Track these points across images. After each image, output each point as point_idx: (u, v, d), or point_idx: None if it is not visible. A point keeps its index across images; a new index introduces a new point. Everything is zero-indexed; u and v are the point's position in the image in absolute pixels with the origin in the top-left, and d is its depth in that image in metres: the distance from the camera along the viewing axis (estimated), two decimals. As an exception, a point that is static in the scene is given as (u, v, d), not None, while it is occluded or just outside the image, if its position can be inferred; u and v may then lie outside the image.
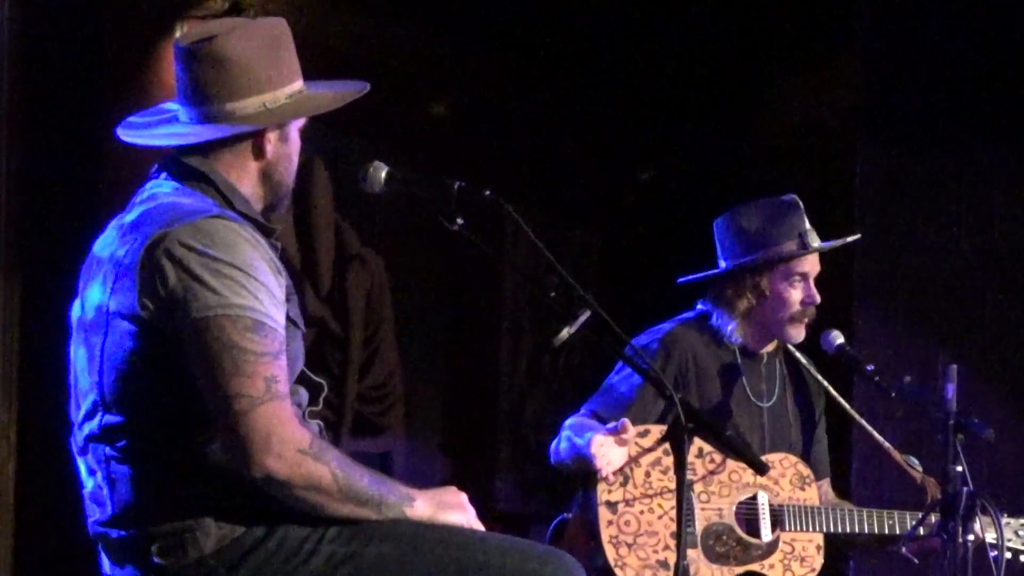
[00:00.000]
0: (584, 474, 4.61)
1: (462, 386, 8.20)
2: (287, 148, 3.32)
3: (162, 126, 3.36)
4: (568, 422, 4.68)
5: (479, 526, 3.29)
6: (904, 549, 4.63)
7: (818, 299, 4.74)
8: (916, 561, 4.65)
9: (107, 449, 3.15)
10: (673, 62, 8.52)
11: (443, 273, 7.95)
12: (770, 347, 4.86)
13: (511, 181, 7.46)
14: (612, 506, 4.58)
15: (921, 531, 4.61)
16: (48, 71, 5.93)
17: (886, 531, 4.71)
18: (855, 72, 7.14)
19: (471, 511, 3.29)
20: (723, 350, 4.80)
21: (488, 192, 3.36)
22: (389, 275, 5.16)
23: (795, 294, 4.73)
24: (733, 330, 4.77)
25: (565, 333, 3.35)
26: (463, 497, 3.30)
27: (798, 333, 4.77)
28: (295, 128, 3.34)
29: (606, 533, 4.55)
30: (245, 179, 3.29)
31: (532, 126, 8.50)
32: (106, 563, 3.25)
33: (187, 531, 3.11)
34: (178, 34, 6.34)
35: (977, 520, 4.37)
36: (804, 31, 8.32)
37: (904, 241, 6.68)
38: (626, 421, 4.42)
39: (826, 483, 4.95)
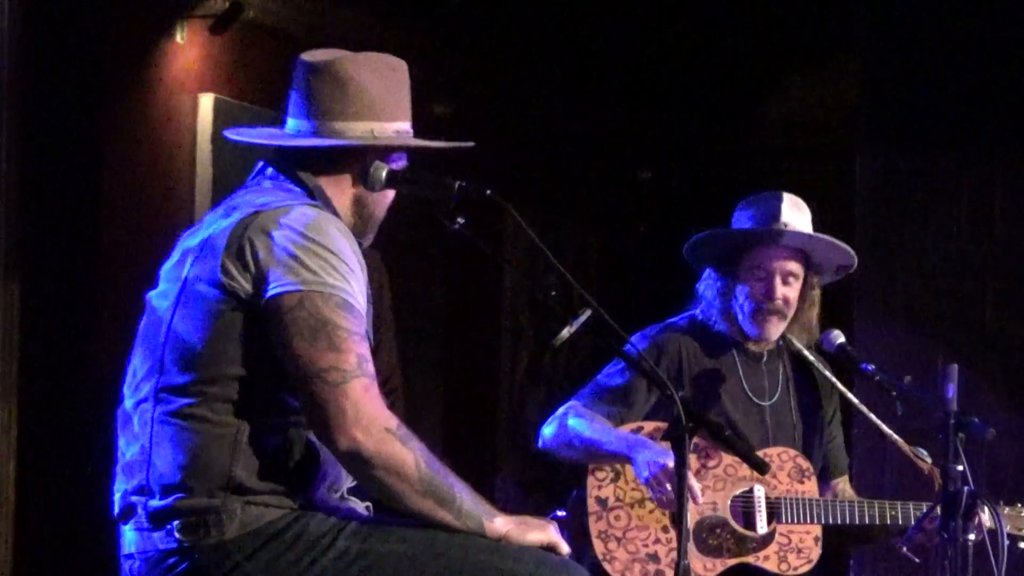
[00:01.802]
0: (576, 468, 4.63)
1: (462, 386, 8.21)
2: None
3: (270, 132, 3.47)
4: (571, 419, 4.66)
5: (565, 548, 3.31)
6: (905, 548, 4.62)
7: (775, 297, 4.68)
8: (916, 560, 4.64)
9: (157, 410, 3.20)
10: (673, 62, 8.53)
11: (443, 273, 7.96)
12: (770, 346, 4.85)
13: (511, 181, 7.47)
14: (602, 501, 4.59)
15: (925, 526, 4.60)
16: (49, 71, 5.93)
17: (888, 522, 4.70)
18: (855, 71, 7.15)
19: (554, 532, 3.30)
20: (719, 349, 4.80)
21: (488, 192, 3.36)
22: (389, 275, 5.16)
23: (756, 285, 4.71)
24: (717, 316, 4.76)
25: (565, 333, 3.35)
26: (546, 521, 3.33)
27: (761, 329, 4.72)
28: (395, 167, 3.41)
29: (595, 528, 4.57)
30: (341, 201, 3.36)
31: (532, 126, 8.51)
32: (126, 541, 3.28)
33: (212, 511, 3.14)
34: (178, 35, 6.36)
35: (982, 511, 4.36)
36: (804, 31, 8.34)
37: (903, 240, 6.68)
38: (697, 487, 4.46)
39: (843, 481, 4.93)
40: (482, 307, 8.39)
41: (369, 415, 3.11)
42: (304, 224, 3.18)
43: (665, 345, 4.75)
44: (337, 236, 3.20)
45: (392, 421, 3.14)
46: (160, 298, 3.28)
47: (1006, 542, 4.42)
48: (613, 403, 4.69)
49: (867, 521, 4.70)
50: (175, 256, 3.32)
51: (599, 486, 4.59)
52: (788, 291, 4.72)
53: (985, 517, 4.39)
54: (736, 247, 4.74)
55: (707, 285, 4.80)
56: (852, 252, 4.86)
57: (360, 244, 3.37)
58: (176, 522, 3.15)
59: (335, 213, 3.33)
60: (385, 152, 3.38)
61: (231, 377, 3.17)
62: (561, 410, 4.72)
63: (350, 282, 3.18)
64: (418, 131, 3.50)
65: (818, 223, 4.82)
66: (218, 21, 6.46)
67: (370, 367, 3.15)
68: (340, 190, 3.37)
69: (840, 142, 7.77)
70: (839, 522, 4.69)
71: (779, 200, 4.74)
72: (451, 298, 8.12)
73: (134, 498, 3.23)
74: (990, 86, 6.59)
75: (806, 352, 4.87)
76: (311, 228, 3.18)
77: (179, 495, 3.16)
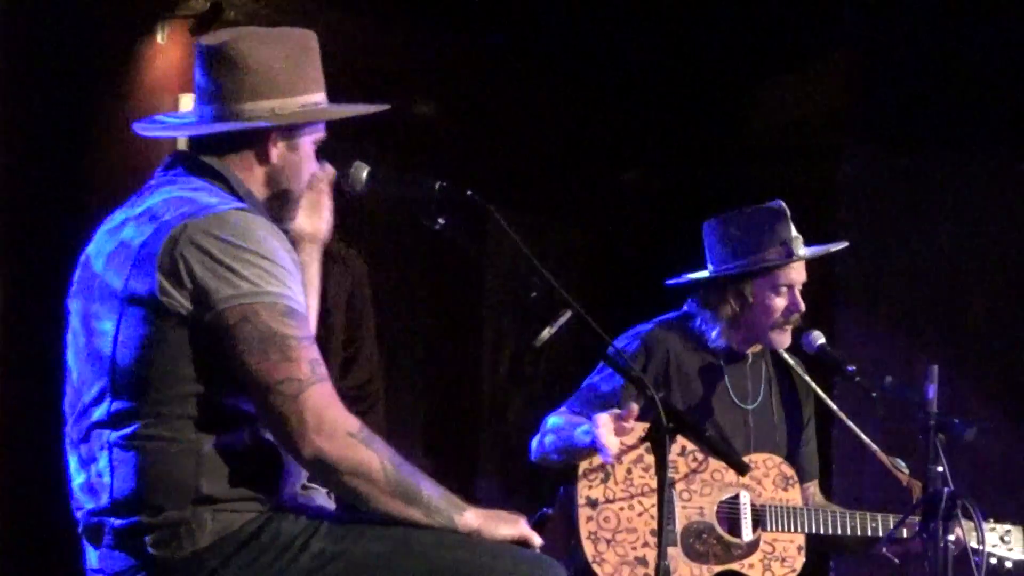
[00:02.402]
0: (566, 469, 4.62)
1: (444, 387, 8.20)
2: (295, 157, 3.32)
3: (177, 121, 3.41)
4: (550, 419, 4.68)
5: (537, 541, 3.29)
6: (885, 550, 4.63)
7: (802, 308, 4.74)
8: (897, 562, 4.65)
9: (113, 435, 3.15)
10: (658, 62, 8.52)
11: (425, 273, 7.95)
12: (755, 348, 4.86)
13: (493, 181, 7.46)
14: (592, 502, 4.58)
15: (904, 532, 4.61)
16: (30, 71, 5.92)
17: (868, 533, 4.71)
18: (840, 72, 7.16)
19: (525, 525, 3.29)
20: (705, 351, 4.80)
21: (470, 192, 3.36)
22: (371, 275, 5.15)
23: (779, 302, 4.73)
24: (718, 335, 4.77)
25: (546, 333, 3.35)
26: (517, 515, 3.31)
27: (783, 339, 4.77)
28: (307, 140, 3.34)
29: (585, 529, 4.56)
30: (252, 183, 3.30)
31: (515, 125, 8.50)
32: (92, 556, 3.24)
33: (183, 523, 3.12)
34: (159, 35, 6.36)
35: (959, 524, 4.37)
36: (789, 31, 8.33)
37: (887, 241, 6.69)
38: (634, 407, 4.39)
39: (813, 485, 4.95)
40: (464, 308, 8.38)
41: (330, 421, 3.08)
42: (234, 232, 3.12)
43: (654, 345, 4.75)
44: (268, 238, 3.15)
45: (354, 424, 3.12)
46: (93, 319, 3.22)
47: (992, 549, 4.43)
48: (603, 407, 4.69)
49: (848, 531, 4.71)
50: (91, 278, 3.25)
51: (590, 486, 4.59)
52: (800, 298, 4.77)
53: (960, 532, 4.39)
54: (747, 273, 4.74)
55: (717, 309, 4.78)
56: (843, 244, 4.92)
57: (286, 223, 3.33)
58: (147, 537, 3.13)
59: (252, 200, 3.27)
60: (290, 128, 3.30)
61: (186, 393, 3.13)
62: (548, 420, 4.72)
63: (289, 285, 3.13)
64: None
65: (800, 221, 4.83)
66: (199, 22, 6.45)
67: (323, 369, 3.12)
68: (251, 173, 3.30)
69: (825, 143, 7.77)
70: (822, 531, 4.70)
71: (784, 217, 4.74)
72: (432, 299, 8.11)
73: (100, 517, 3.20)
74: (975, 88, 6.60)
75: (786, 355, 4.88)
76: (241, 235, 3.11)
77: (146, 513, 3.13)
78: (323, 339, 4.83)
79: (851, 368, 4.75)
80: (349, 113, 3.38)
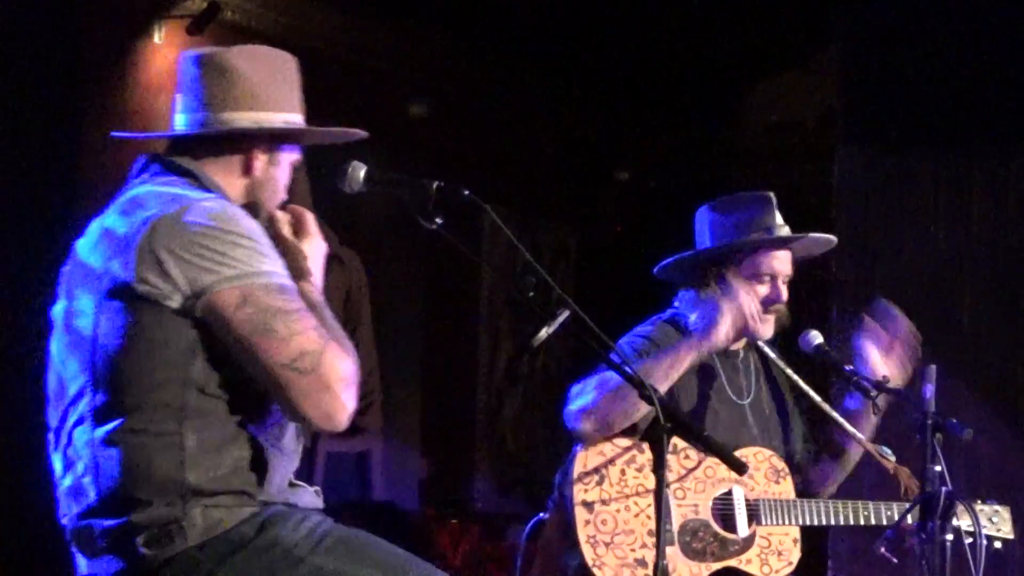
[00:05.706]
0: (563, 472, 4.61)
1: (440, 386, 8.20)
2: (275, 172, 3.35)
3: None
4: (596, 378, 4.57)
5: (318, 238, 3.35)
6: (883, 550, 4.63)
7: (784, 298, 4.73)
8: (894, 561, 4.65)
9: (96, 431, 3.14)
10: (651, 63, 8.54)
11: (421, 273, 7.96)
12: (742, 343, 4.86)
13: (489, 181, 7.47)
14: (588, 505, 4.57)
15: (902, 527, 4.62)
16: (26, 70, 5.91)
17: (861, 522, 4.72)
18: (832, 73, 7.16)
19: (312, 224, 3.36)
20: (700, 348, 4.80)
21: (466, 192, 3.35)
22: (367, 275, 5.16)
23: (760, 290, 4.72)
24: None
25: (544, 333, 3.34)
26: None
27: (763, 329, 4.75)
28: (287, 157, 3.36)
29: (583, 533, 4.54)
30: (231, 193, 3.30)
31: (510, 126, 8.52)
32: (82, 562, 3.22)
33: (174, 521, 3.10)
34: (156, 35, 6.36)
35: (959, 514, 4.38)
36: (782, 32, 8.35)
37: (881, 240, 6.70)
38: None
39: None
40: (460, 307, 8.39)
41: (349, 374, 3.13)
42: (215, 217, 3.13)
43: (662, 343, 4.73)
44: (245, 219, 3.17)
45: (350, 362, 3.15)
46: (75, 316, 3.20)
47: (984, 543, 4.43)
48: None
49: (842, 521, 4.72)
50: (76, 270, 3.24)
51: (585, 489, 4.57)
52: (785, 290, 4.75)
53: (961, 520, 4.40)
54: (729, 255, 4.73)
55: (702, 293, 4.76)
56: (833, 239, 4.90)
57: None
58: (138, 538, 3.11)
59: (226, 197, 3.26)
60: (272, 140, 3.32)
61: (167, 385, 3.11)
62: (580, 386, 4.61)
63: (276, 260, 3.16)
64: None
65: (794, 221, 4.83)
66: (195, 21, 6.45)
67: (323, 329, 3.14)
68: (229, 182, 3.31)
69: (818, 143, 7.80)
70: (815, 522, 4.70)
71: (769, 204, 4.74)
72: (429, 298, 8.12)
73: (87, 521, 3.18)
74: (967, 87, 6.61)
75: (766, 348, 4.88)
76: (222, 220, 3.14)
77: (135, 510, 3.11)
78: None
79: (849, 368, 4.74)
80: (327, 132, 3.40)
